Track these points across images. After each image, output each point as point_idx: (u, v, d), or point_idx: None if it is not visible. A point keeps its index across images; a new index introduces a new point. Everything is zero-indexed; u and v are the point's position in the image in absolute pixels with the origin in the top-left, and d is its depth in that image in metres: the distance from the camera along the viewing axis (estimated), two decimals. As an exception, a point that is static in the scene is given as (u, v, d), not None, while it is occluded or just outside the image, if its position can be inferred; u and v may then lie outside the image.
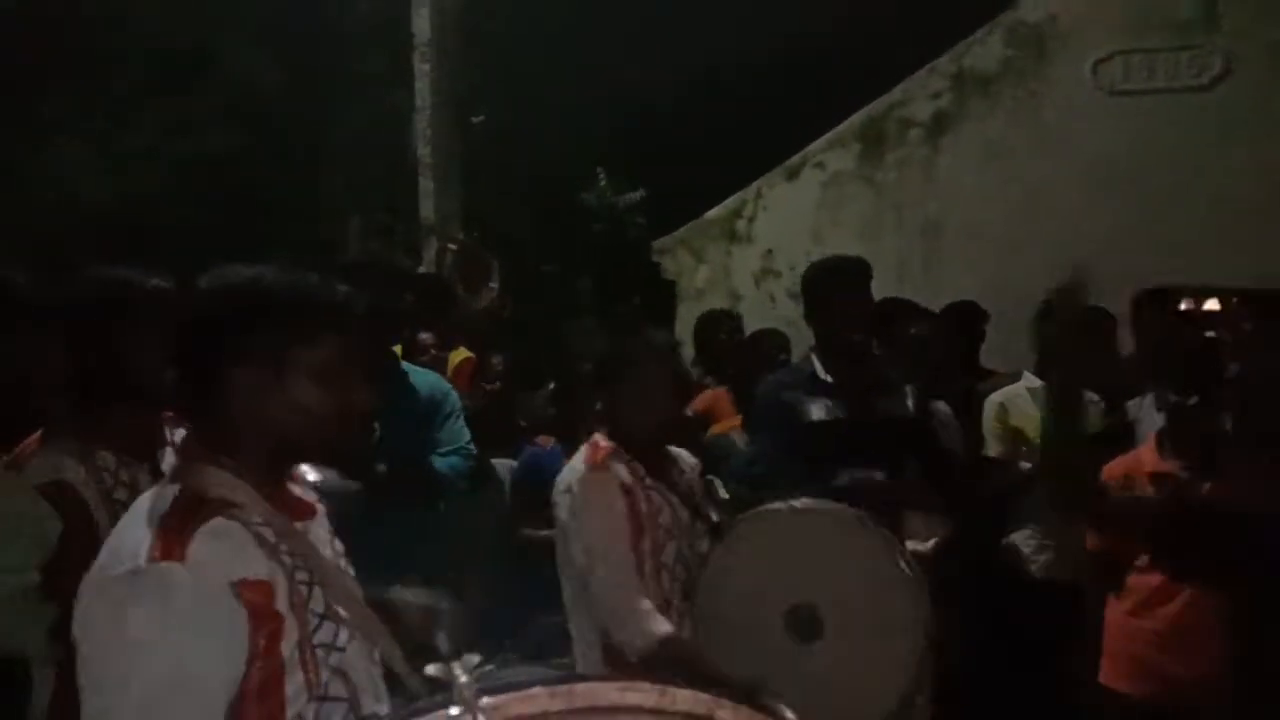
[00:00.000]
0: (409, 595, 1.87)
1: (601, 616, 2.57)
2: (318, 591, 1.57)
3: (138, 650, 1.42)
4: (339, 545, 1.77)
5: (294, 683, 1.51)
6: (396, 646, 1.68)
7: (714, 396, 4.66)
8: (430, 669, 1.26)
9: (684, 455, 2.91)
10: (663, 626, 2.48)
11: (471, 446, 3.54)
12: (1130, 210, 6.61)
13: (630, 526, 2.58)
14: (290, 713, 1.51)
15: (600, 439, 2.71)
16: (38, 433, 2.38)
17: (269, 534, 1.55)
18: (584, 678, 0.76)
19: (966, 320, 4.85)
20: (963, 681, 3.54)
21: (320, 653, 1.54)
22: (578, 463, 2.70)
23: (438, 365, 4.19)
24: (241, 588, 1.47)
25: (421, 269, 6.91)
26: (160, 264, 2.45)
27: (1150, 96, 6.85)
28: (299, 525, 1.65)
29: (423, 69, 8.09)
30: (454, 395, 3.58)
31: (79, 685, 1.46)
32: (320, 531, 1.72)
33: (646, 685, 0.78)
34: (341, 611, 1.59)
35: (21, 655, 2.17)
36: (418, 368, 3.74)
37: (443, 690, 0.97)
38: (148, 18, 9.49)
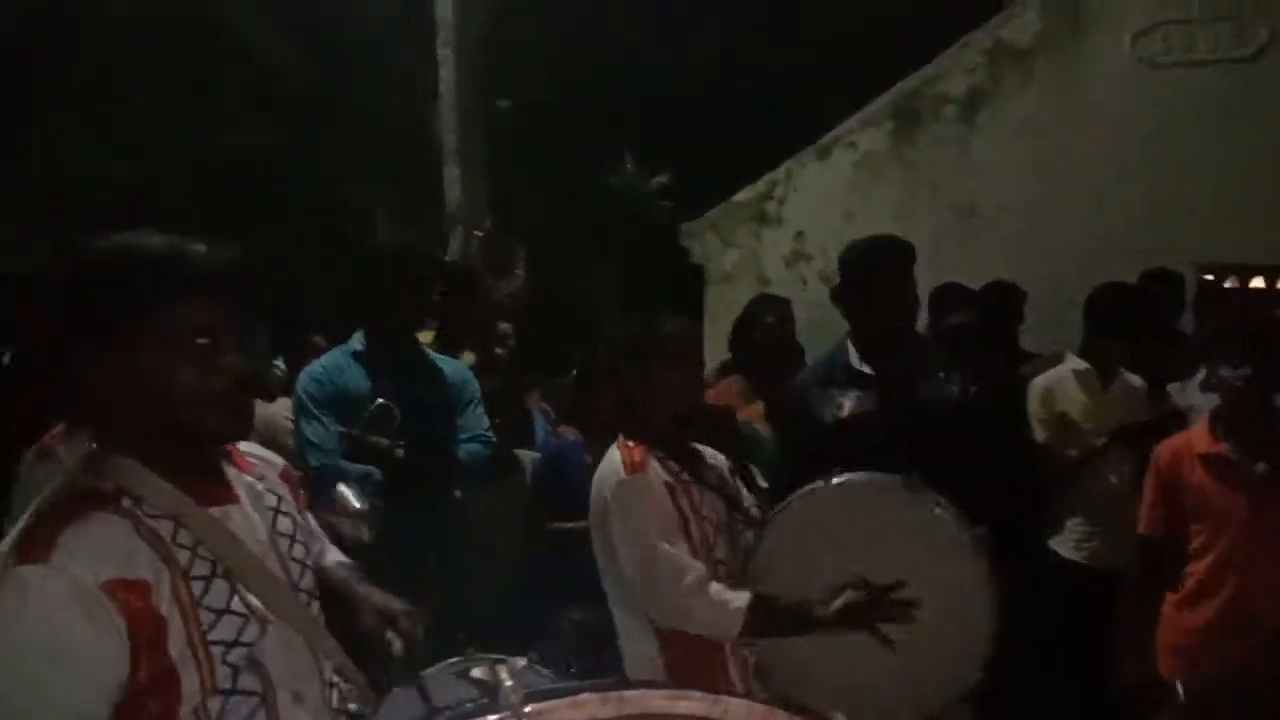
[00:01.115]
0: (370, 592, 1.79)
1: (671, 617, 2.47)
2: (218, 585, 1.50)
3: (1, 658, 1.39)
4: (284, 524, 1.68)
5: (188, 680, 1.45)
6: (330, 637, 1.62)
7: (722, 389, 4.52)
8: (476, 672, 1.20)
9: (707, 450, 2.80)
10: (741, 596, 2.40)
11: (491, 434, 3.49)
12: (1169, 186, 6.46)
13: (679, 521, 2.50)
14: (186, 708, 1.45)
15: (622, 442, 2.60)
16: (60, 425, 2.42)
17: (165, 528, 1.48)
18: (633, 684, 0.72)
19: (1005, 301, 4.75)
20: (1010, 669, 3.47)
21: (217, 650, 1.48)
22: (614, 467, 2.56)
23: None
24: (114, 588, 1.40)
25: (448, 257, 6.88)
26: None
27: (1191, 69, 6.67)
28: (216, 512, 1.56)
29: (446, 55, 8.05)
30: (474, 383, 3.54)
31: None
32: (246, 517, 1.61)
33: (698, 694, 0.75)
34: (254, 603, 1.52)
35: None
36: (440, 354, 3.69)
37: (488, 694, 0.91)
38: (172, 4, 9.51)
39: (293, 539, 1.69)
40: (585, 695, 0.70)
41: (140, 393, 1.50)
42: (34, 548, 1.41)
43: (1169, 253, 5.61)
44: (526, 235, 6.56)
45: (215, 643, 1.48)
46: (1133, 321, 4.04)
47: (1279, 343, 3.18)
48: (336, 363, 3.39)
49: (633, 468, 2.51)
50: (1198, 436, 3.20)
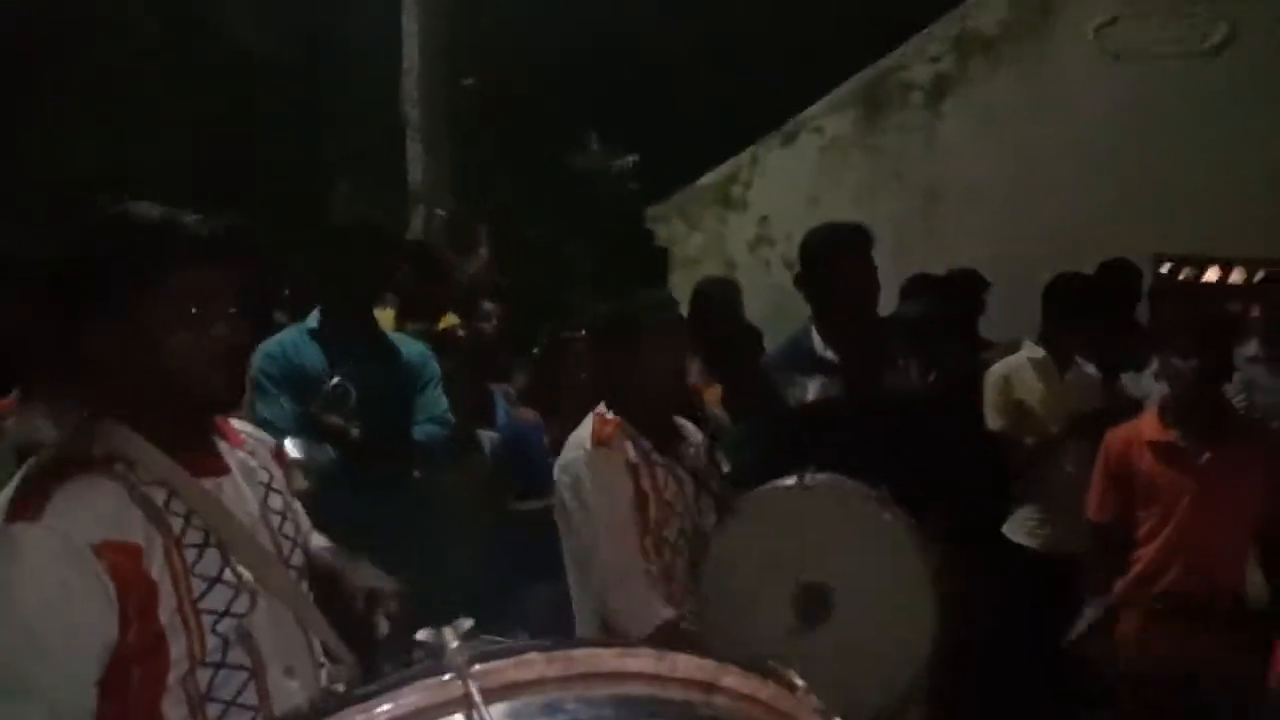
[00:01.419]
0: (357, 571, 1.79)
1: (604, 596, 2.52)
2: (210, 554, 1.51)
3: None
4: (276, 502, 1.69)
5: (177, 647, 1.46)
6: (321, 616, 1.63)
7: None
8: (420, 634, 1.18)
9: (688, 426, 2.83)
10: (663, 612, 2.45)
11: (449, 415, 3.46)
12: (1130, 177, 6.53)
13: (636, 505, 2.53)
14: (173, 676, 1.46)
15: (603, 412, 2.62)
16: (13, 393, 2.39)
17: (158, 494, 1.49)
18: (581, 643, 0.72)
19: (969, 289, 4.78)
20: (969, 657, 3.51)
21: (207, 618, 1.48)
22: (583, 438, 2.60)
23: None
24: (104, 550, 1.42)
25: (409, 235, 6.81)
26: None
27: (1153, 62, 6.74)
28: (208, 483, 1.57)
29: (411, 29, 7.96)
30: (434, 364, 3.50)
31: None
32: (238, 489, 1.63)
33: (647, 650, 0.75)
34: (245, 575, 1.53)
35: None
36: (400, 334, 3.65)
37: (432, 656, 0.91)
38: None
39: (284, 516, 1.70)
40: (532, 655, 0.70)
41: (138, 359, 1.52)
42: (25, 506, 1.42)
43: (1131, 242, 5.67)
44: (490, 215, 6.53)
45: (205, 611, 1.49)
46: (1089, 310, 4.07)
47: (1226, 334, 3.25)
48: (293, 340, 3.34)
49: (600, 440, 2.54)
50: (1147, 424, 3.26)
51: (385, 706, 0.70)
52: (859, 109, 7.56)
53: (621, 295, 2.76)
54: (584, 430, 2.62)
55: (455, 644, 0.70)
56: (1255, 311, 4.11)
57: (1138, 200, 6.46)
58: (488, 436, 3.91)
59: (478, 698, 0.66)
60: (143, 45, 9.57)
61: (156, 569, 1.45)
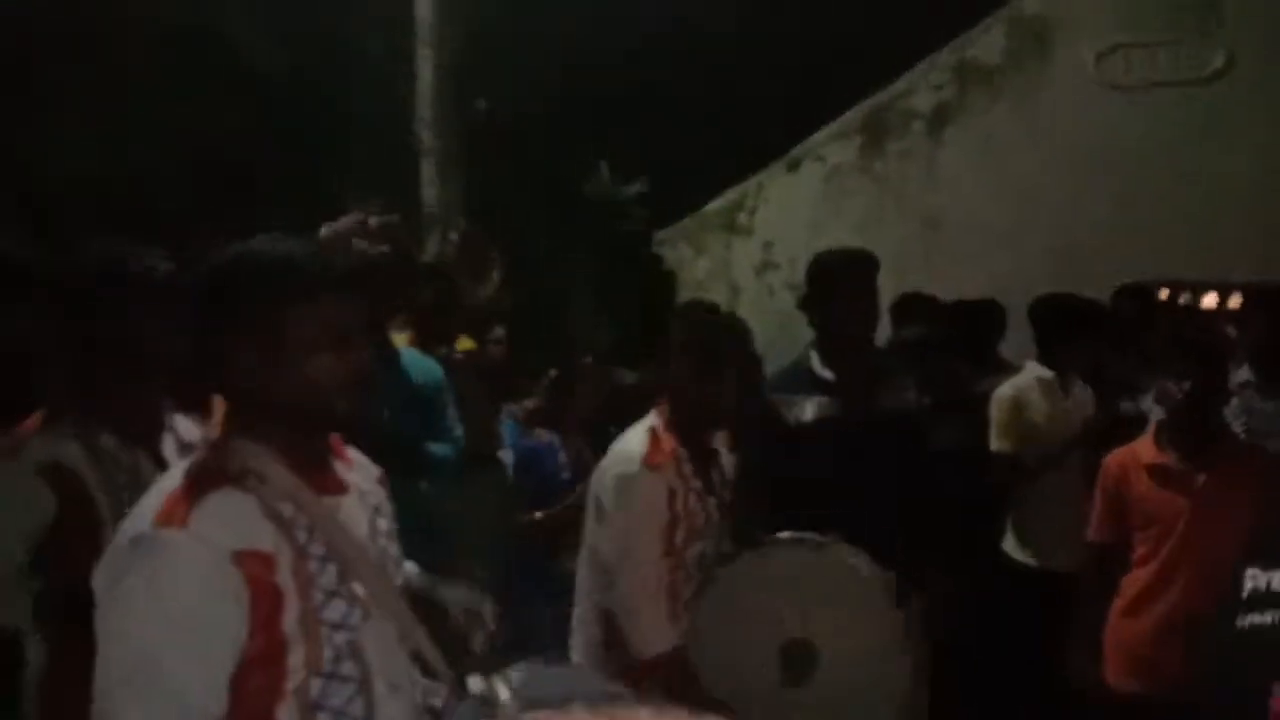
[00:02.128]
0: (452, 592, 1.88)
1: (615, 608, 2.59)
2: (331, 568, 1.57)
3: (132, 612, 1.46)
4: (382, 524, 1.77)
5: (296, 655, 1.52)
6: (426, 635, 1.68)
7: None
8: (473, 684, 1.27)
9: (722, 450, 2.90)
10: (669, 640, 2.53)
11: (461, 437, 3.52)
12: (1130, 204, 6.62)
13: (667, 530, 2.58)
14: (291, 684, 1.52)
15: (661, 429, 2.67)
16: (37, 414, 2.37)
17: (286, 508, 1.56)
18: (621, 696, 0.77)
19: (981, 318, 4.83)
20: (962, 673, 3.57)
21: (325, 630, 1.54)
22: (636, 452, 2.64)
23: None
24: (243, 558, 1.49)
25: (424, 258, 6.90)
26: (158, 245, 2.44)
27: (1152, 90, 6.85)
28: (328, 501, 1.64)
29: (424, 53, 8.06)
30: (446, 385, 3.55)
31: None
32: (355, 509, 1.71)
33: (683, 713, 0.80)
34: (359, 590, 1.59)
35: (15, 630, 2.19)
36: (412, 352, 3.70)
37: (486, 705, 0.94)
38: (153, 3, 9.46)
39: (388, 538, 1.77)
40: (576, 706, 0.76)
41: (277, 380, 1.59)
42: (172, 515, 1.50)
43: (1129, 269, 5.75)
44: (503, 238, 6.61)
45: (324, 623, 1.55)
46: (1085, 329, 4.14)
47: (1219, 357, 3.31)
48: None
49: (653, 464, 2.60)
50: (1143, 447, 3.30)
51: None
52: (861, 137, 7.67)
53: (702, 316, 2.86)
54: (637, 443, 2.65)
55: (506, 695, 0.75)
56: (1242, 334, 4.17)
57: (1136, 227, 6.55)
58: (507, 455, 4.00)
59: None
60: (154, 66, 9.66)
61: (284, 579, 1.52)
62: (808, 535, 2.69)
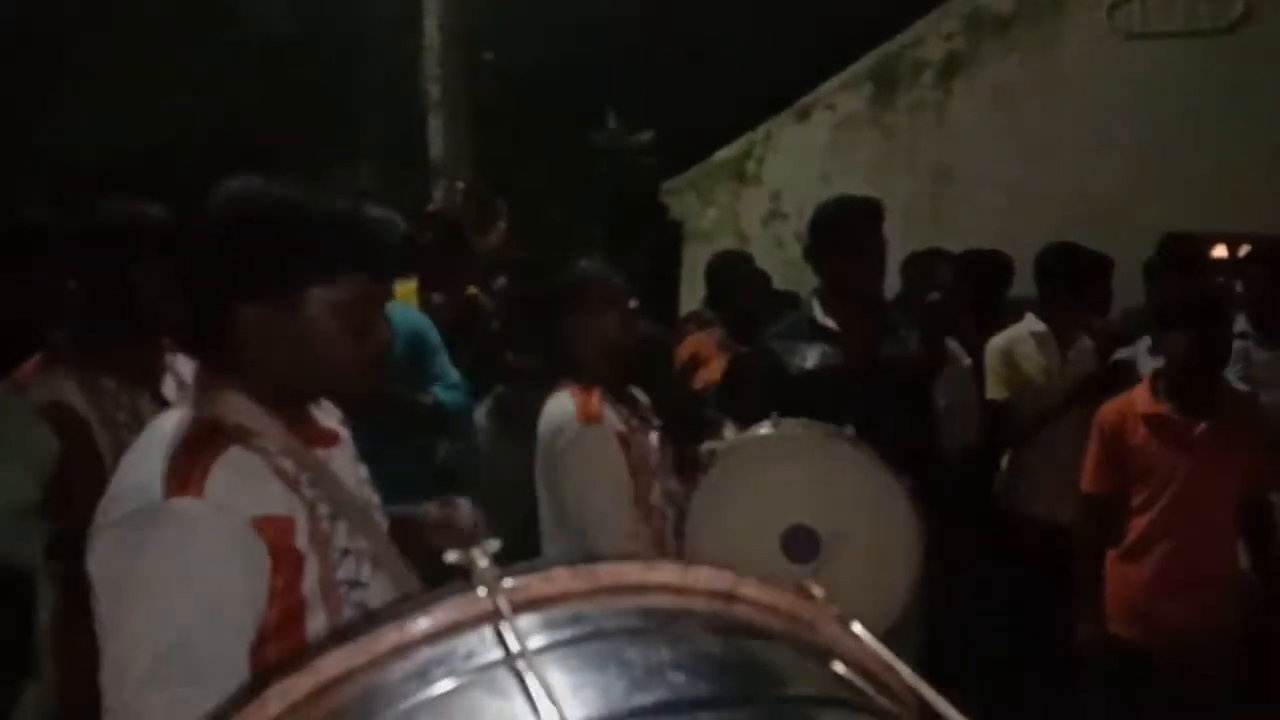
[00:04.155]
0: (432, 509, 1.81)
1: None
2: (341, 526, 1.49)
3: (158, 594, 1.32)
4: (363, 472, 1.69)
5: (315, 621, 1.42)
6: (414, 576, 1.61)
7: (696, 341, 4.59)
8: (450, 555, 1.24)
9: (637, 392, 2.83)
10: None
11: (460, 382, 3.52)
12: (1143, 156, 6.55)
13: (628, 480, 2.52)
14: None
15: (575, 387, 2.59)
16: (36, 358, 2.38)
17: (289, 466, 1.47)
18: (605, 558, 0.76)
19: (990, 271, 4.81)
20: (960, 627, 3.60)
21: (343, 590, 1.47)
22: (566, 415, 2.55)
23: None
24: (263, 524, 1.39)
25: (430, 208, 6.88)
26: (169, 206, 2.44)
27: (1168, 40, 6.75)
28: (321, 454, 1.56)
29: (431, 6, 8.00)
30: (435, 332, 3.52)
31: (98, 629, 1.37)
32: (343, 459, 1.62)
33: (670, 564, 0.79)
34: (364, 545, 1.52)
35: (26, 569, 2.21)
36: (395, 303, 3.65)
37: (462, 574, 0.95)
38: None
39: (370, 486, 1.69)
40: (558, 570, 0.76)
41: (299, 356, 1.48)
42: (185, 482, 1.37)
43: (1143, 222, 5.70)
44: (508, 188, 6.59)
45: (341, 582, 1.47)
46: (1091, 281, 4.12)
47: (1226, 309, 3.30)
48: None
49: (589, 417, 2.51)
50: (1139, 397, 3.29)
51: (418, 622, 0.71)
52: (871, 87, 7.60)
53: (571, 263, 2.76)
54: (564, 406, 2.56)
55: (485, 562, 0.76)
56: (1240, 287, 4.15)
57: (1149, 179, 6.49)
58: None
59: (506, 610, 0.70)
60: (158, 25, 9.59)
61: (303, 541, 1.43)
62: (796, 422, 2.67)
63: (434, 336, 3.51)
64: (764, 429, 2.70)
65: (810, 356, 3.22)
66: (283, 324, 1.47)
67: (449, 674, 0.69)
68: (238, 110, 9.45)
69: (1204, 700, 3.23)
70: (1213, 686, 3.23)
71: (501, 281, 4.60)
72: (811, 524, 2.57)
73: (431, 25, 8.00)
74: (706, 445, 2.76)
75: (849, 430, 2.66)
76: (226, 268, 1.47)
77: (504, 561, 0.75)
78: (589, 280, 2.67)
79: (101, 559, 1.37)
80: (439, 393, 3.43)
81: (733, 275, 4.90)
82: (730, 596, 0.77)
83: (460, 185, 6.54)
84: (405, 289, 4.07)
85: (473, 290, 4.40)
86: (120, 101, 9.13)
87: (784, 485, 2.62)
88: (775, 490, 2.62)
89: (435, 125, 7.93)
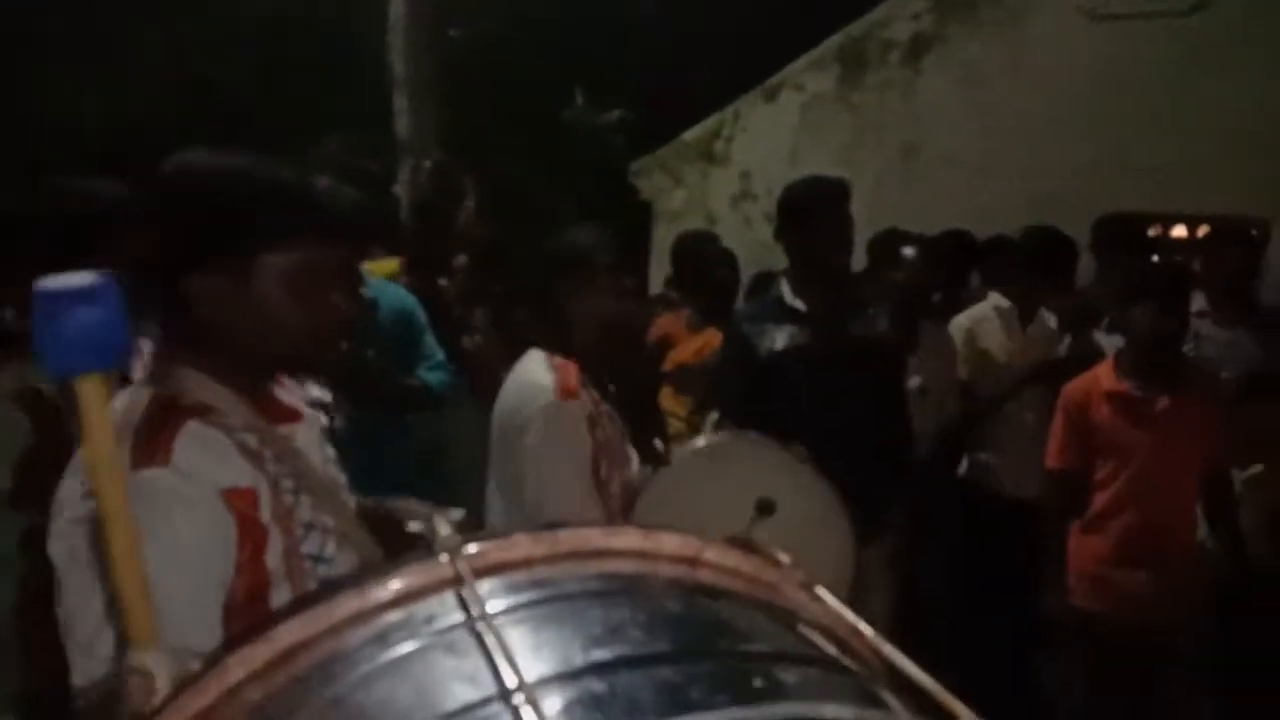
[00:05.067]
0: (402, 506, 1.77)
1: None
2: (304, 501, 1.48)
3: None
4: (330, 451, 1.67)
5: (280, 595, 1.42)
6: (382, 556, 1.59)
7: (666, 323, 4.59)
8: (412, 525, 1.20)
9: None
10: None
11: (445, 361, 3.51)
12: (1108, 136, 6.60)
13: (593, 460, 2.45)
14: None
15: (554, 359, 2.50)
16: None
17: (251, 440, 1.46)
18: (567, 524, 0.76)
19: (952, 248, 4.84)
20: (931, 603, 3.64)
21: (308, 564, 1.46)
22: (542, 384, 2.45)
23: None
24: (230, 496, 1.39)
25: (397, 187, 6.83)
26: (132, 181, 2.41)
27: (1133, 22, 6.79)
28: (283, 430, 1.55)
29: (397, -18, 7.92)
30: (419, 310, 3.50)
31: (60, 613, 1.35)
32: (307, 437, 1.61)
33: (632, 529, 0.79)
34: (329, 521, 1.51)
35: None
36: (380, 282, 3.65)
37: (424, 542, 0.94)
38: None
39: (336, 464, 1.68)
40: (518, 536, 0.76)
41: (255, 325, 1.46)
42: (151, 454, 1.35)
43: (1107, 201, 5.75)
44: (476, 167, 6.55)
45: (306, 557, 1.47)
46: (1056, 265, 4.16)
47: (1184, 286, 3.35)
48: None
49: (565, 394, 2.43)
50: (1104, 375, 3.34)
51: (379, 589, 0.71)
52: (839, 67, 7.60)
53: (577, 233, 2.62)
54: (539, 376, 2.47)
55: (446, 529, 0.76)
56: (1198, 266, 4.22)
57: (1114, 159, 6.54)
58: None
59: (467, 575, 0.70)
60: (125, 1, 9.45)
61: (266, 514, 1.42)
62: (742, 432, 2.66)
63: (421, 315, 3.49)
64: (700, 441, 2.68)
65: (779, 338, 3.23)
66: (235, 293, 1.45)
67: (409, 637, 0.70)
68: (203, 88, 9.34)
69: (1165, 668, 3.30)
70: (1173, 655, 3.31)
71: (462, 260, 4.56)
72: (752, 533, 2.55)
73: (397, 1, 7.93)
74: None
75: (795, 446, 2.64)
76: (177, 237, 1.46)
77: (467, 530, 0.75)
78: (594, 251, 2.55)
79: (66, 536, 1.35)
80: (425, 373, 3.41)
81: (701, 256, 4.90)
82: (694, 561, 0.78)
83: (426, 163, 6.49)
84: (387, 266, 4.05)
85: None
86: (89, 77, 9.00)
87: (726, 495, 2.56)
88: (711, 503, 2.56)
89: (400, 102, 7.86)
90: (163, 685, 0.81)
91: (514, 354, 2.68)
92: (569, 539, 0.74)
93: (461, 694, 0.64)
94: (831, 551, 2.61)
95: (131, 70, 9.23)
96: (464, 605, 0.70)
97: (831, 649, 0.76)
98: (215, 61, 9.49)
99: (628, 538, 0.76)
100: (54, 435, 2.16)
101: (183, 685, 0.73)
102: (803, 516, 2.54)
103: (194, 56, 9.39)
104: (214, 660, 0.72)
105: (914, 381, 3.89)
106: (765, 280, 4.75)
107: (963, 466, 4.17)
